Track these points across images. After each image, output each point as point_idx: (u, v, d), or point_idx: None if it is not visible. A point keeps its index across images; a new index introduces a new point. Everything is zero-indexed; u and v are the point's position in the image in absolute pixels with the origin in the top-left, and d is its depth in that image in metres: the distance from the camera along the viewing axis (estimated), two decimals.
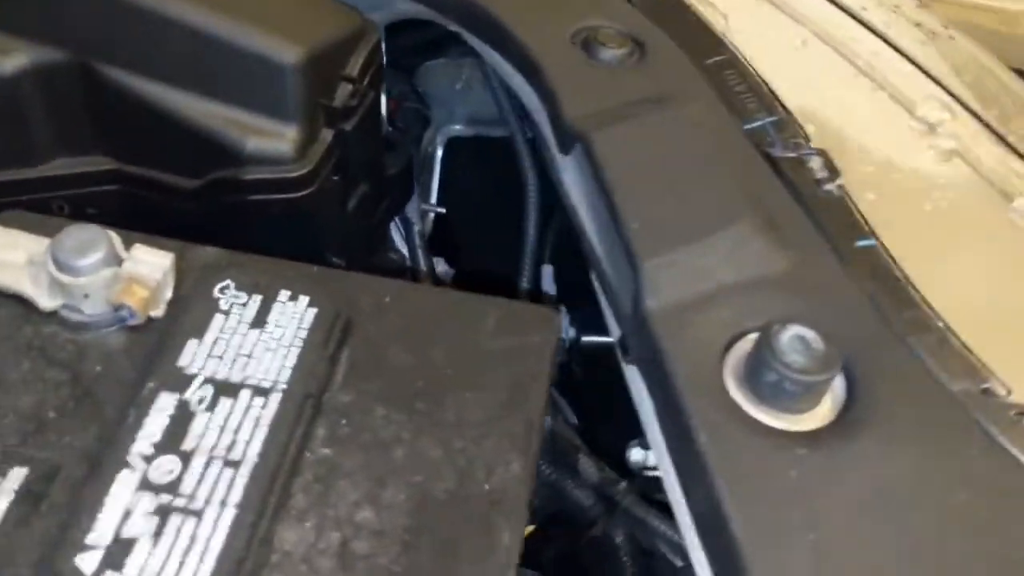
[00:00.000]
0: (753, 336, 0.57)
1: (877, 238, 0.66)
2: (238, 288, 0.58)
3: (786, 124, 0.72)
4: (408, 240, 1.01)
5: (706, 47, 0.77)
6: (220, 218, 0.76)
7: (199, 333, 0.56)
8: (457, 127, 1.16)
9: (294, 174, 0.73)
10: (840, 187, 0.68)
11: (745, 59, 0.76)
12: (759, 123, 0.72)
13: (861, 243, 0.66)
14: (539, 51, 0.73)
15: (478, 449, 0.55)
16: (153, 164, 0.76)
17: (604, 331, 0.69)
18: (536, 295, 0.94)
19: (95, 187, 0.77)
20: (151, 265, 0.58)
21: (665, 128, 0.67)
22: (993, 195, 0.71)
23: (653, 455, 0.63)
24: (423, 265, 0.99)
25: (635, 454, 0.81)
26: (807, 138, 0.71)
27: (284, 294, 0.59)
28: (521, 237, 0.95)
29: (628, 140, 0.66)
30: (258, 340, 0.56)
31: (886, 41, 0.78)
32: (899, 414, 0.55)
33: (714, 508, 0.51)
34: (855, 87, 0.77)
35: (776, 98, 0.74)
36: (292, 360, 0.55)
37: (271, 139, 0.73)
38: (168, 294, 0.59)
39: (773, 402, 0.56)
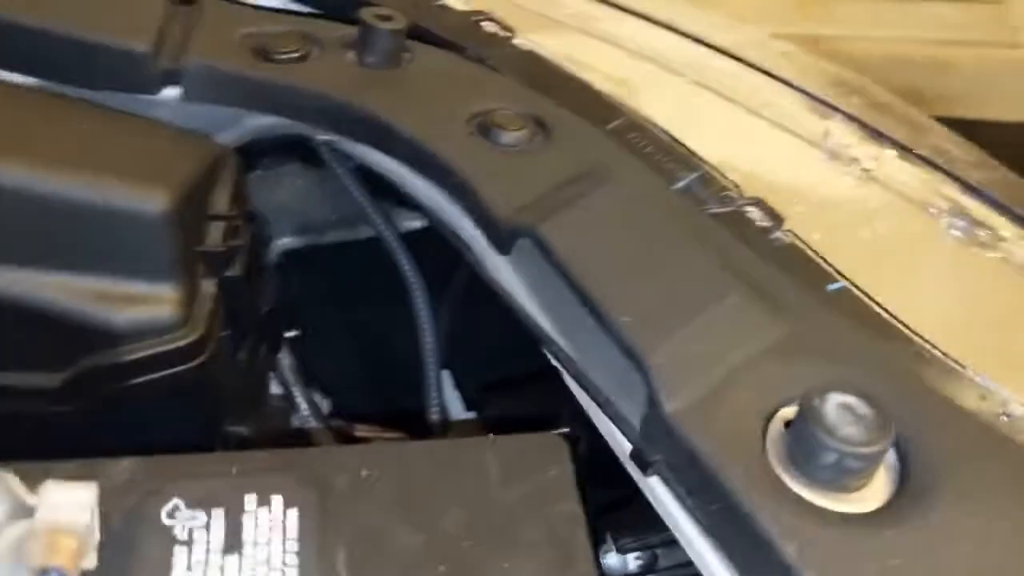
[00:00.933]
0: (785, 413, 0.52)
1: (845, 278, 0.63)
2: (190, 506, 0.46)
3: (711, 179, 0.68)
4: (280, 378, 0.88)
5: (600, 113, 0.71)
6: (96, 415, 0.62)
7: None
8: (286, 240, 1.05)
9: (182, 343, 0.61)
10: (788, 232, 0.65)
11: (643, 118, 0.72)
12: (684, 182, 0.67)
13: (832, 287, 0.63)
14: (440, 145, 0.65)
15: None
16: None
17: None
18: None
19: None
20: (71, 505, 0.44)
21: (611, 208, 0.61)
22: (918, 211, 0.71)
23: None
24: (305, 405, 0.87)
25: (612, 559, 0.74)
26: (736, 187, 0.67)
27: (250, 499, 0.47)
28: (417, 345, 0.85)
29: (579, 227, 0.59)
30: (238, 571, 0.44)
31: (767, 73, 0.77)
32: (965, 474, 0.50)
33: None
34: (752, 128, 0.75)
35: (691, 153, 0.69)
36: None
37: (146, 306, 0.60)
38: (97, 536, 0.45)
39: (830, 484, 0.50)
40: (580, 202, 0.60)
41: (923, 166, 0.72)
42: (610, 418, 0.57)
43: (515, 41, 0.77)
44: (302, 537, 0.45)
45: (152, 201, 0.59)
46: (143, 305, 0.60)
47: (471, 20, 0.79)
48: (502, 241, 0.61)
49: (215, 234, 0.64)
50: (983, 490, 0.50)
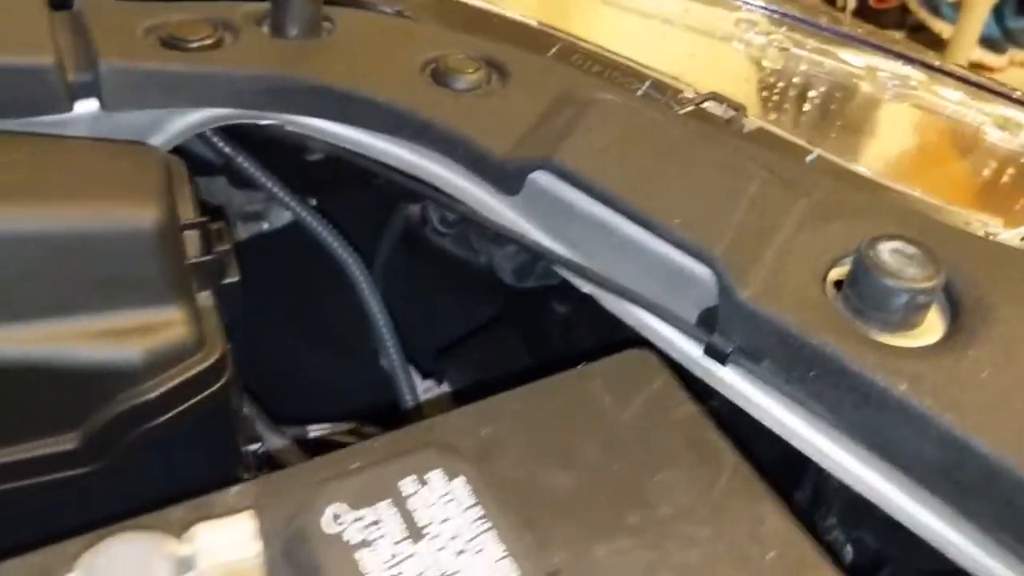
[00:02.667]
0: (833, 274, 0.55)
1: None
2: (353, 506, 0.42)
3: (663, 84, 0.69)
4: None
5: (535, 43, 0.71)
6: (119, 469, 0.55)
7: None
8: None
9: (204, 365, 0.55)
10: (753, 120, 0.67)
11: (573, 40, 0.72)
12: (641, 91, 0.68)
13: (810, 158, 0.66)
14: (404, 101, 0.62)
15: (728, 527, 0.45)
16: (3, 440, 0.52)
17: None
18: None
19: None
20: (231, 543, 0.40)
21: (609, 125, 0.60)
22: (844, 76, 0.75)
23: None
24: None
25: None
26: (689, 86, 0.69)
27: (407, 483, 0.43)
28: (371, 326, 0.82)
29: (590, 148, 0.58)
30: (435, 553, 0.41)
31: None
32: (1009, 290, 0.54)
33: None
34: (666, 33, 0.77)
35: (634, 62, 0.70)
36: (493, 550, 0.41)
37: (160, 334, 0.54)
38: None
39: (900, 325, 0.53)
40: (579, 125, 0.60)
41: (834, 39, 0.77)
42: (671, 324, 0.58)
43: None
44: (480, 503, 0.43)
45: (141, 217, 0.52)
46: (156, 333, 0.53)
47: None
48: (510, 181, 0.59)
49: (194, 244, 0.58)
50: None
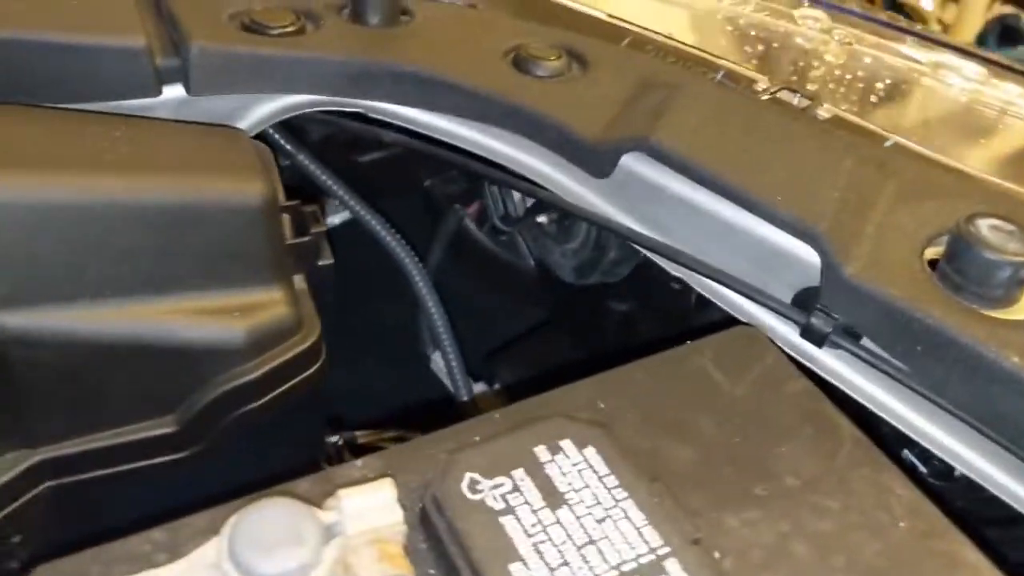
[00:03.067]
0: (929, 252, 0.55)
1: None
2: (488, 474, 0.42)
3: (736, 73, 0.69)
4: None
5: (609, 34, 0.71)
6: (214, 453, 0.54)
7: (508, 555, 0.39)
8: None
9: (303, 346, 0.55)
10: (828, 108, 0.68)
11: (644, 29, 0.72)
12: (715, 79, 0.69)
13: (887, 144, 0.66)
14: (492, 86, 0.62)
15: (856, 498, 0.45)
16: (106, 423, 0.51)
17: None
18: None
19: (16, 499, 0.50)
20: (375, 510, 0.39)
21: (698, 108, 0.61)
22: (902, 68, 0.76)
23: None
24: None
25: None
26: (763, 77, 0.69)
27: (541, 451, 0.43)
28: (427, 325, 0.81)
29: (683, 130, 0.58)
30: (577, 520, 0.40)
31: None
32: None
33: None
34: (734, 30, 0.77)
35: (706, 52, 0.71)
36: (635, 517, 0.41)
37: (263, 313, 0.53)
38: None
39: (1000, 299, 0.53)
40: (670, 108, 0.60)
41: (894, 34, 0.78)
42: (766, 305, 0.57)
43: None
44: (614, 471, 0.42)
45: (248, 192, 0.52)
46: (258, 313, 0.53)
47: None
48: (601, 163, 0.59)
49: (288, 226, 0.57)
50: None
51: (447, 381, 0.95)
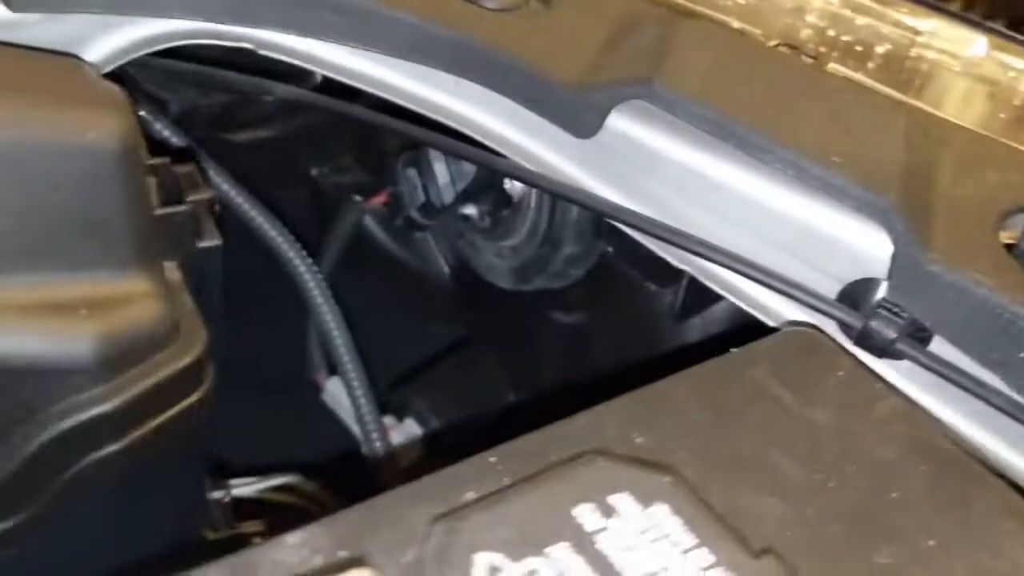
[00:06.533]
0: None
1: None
2: (513, 553, 0.26)
3: (723, 23, 0.56)
4: None
5: None
6: (54, 521, 0.36)
7: None
8: None
9: (187, 358, 0.37)
10: (834, 68, 0.56)
11: None
12: None
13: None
14: (434, 17, 0.46)
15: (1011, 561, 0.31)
16: None
17: None
18: None
19: None
20: None
21: (708, 50, 0.47)
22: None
23: None
24: None
25: None
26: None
27: (587, 515, 0.28)
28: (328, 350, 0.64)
29: (695, 72, 0.44)
30: None
31: None
32: None
33: None
34: None
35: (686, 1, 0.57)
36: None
37: (121, 309, 0.36)
38: None
39: None
40: (672, 49, 0.46)
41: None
42: (806, 303, 0.44)
43: None
44: (705, 542, 0.27)
45: (102, 133, 0.35)
46: (116, 311, 0.35)
47: None
48: (585, 118, 0.45)
49: (154, 192, 0.40)
50: None
51: (343, 416, 0.78)
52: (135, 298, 0.36)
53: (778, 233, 0.45)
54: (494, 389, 0.73)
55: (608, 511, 0.28)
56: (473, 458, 0.32)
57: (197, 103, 0.71)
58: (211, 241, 0.41)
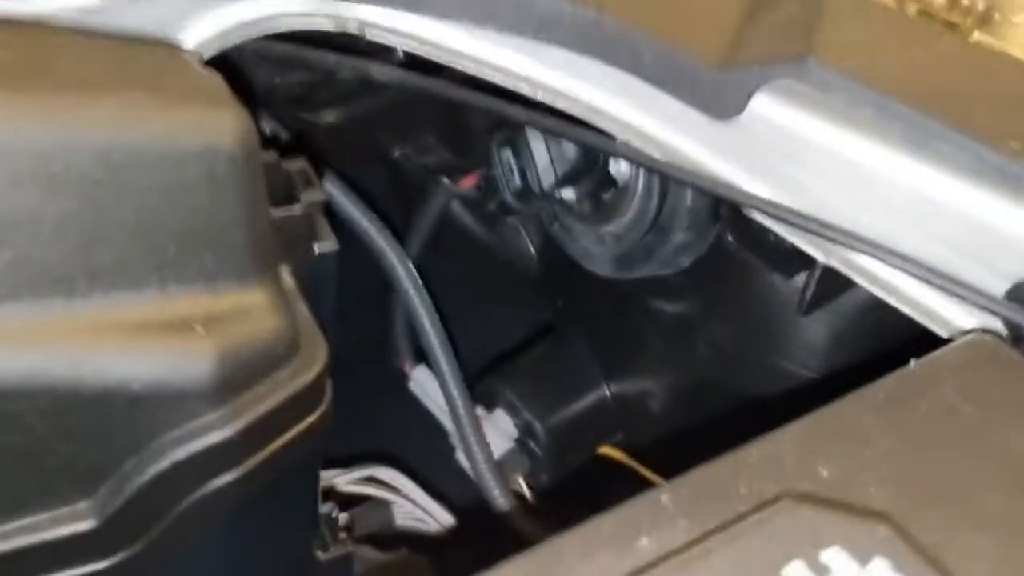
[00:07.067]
0: None
1: None
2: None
3: None
4: None
5: None
6: (164, 557, 0.33)
7: None
8: None
9: (309, 375, 0.34)
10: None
11: None
12: None
13: None
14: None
15: None
16: None
17: None
18: None
19: None
20: None
21: (857, 22, 0.42)
22: None
23: None
24: None
25: None
26: None
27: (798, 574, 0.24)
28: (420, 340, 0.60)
29: (852, 47, 0.40)
30: None
31: None
32: None
33: None
34: None
35: None
36: None
37: (240, 325, 0.33)
38: None
39: None
40: (822, 23, 0.41)
41: None
42: (973, 302, 0.39)
43: None
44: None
45: (221, 132, 0.31)
46: (234, 327, 0.32)
47: None
48: (726, 98, 0.41)
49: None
50: None
51: (429, 404, 0.74)
52: (253, 311, 0.33)
53: (939, 225, 0.40)
54: (587, 380, 0.69)
55: (819, 569, 0.24)
56: (641, 498, 0.28)
57: (274, 83, 0.67)
58: (327, 246, 0.37)
